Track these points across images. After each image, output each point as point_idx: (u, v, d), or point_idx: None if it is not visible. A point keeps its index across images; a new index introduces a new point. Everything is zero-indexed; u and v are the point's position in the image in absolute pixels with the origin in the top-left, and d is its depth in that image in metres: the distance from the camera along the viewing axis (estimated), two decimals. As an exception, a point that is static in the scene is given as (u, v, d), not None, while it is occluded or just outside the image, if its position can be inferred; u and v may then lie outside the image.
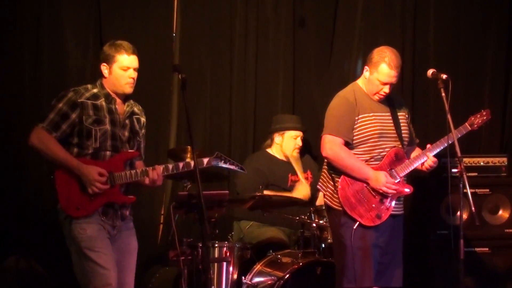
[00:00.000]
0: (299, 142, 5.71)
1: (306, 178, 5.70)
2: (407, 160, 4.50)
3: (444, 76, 4.27)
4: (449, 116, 4.19)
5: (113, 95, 4.08)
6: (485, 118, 4.58)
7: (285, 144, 5.71)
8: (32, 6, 5.75)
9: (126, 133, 4.11)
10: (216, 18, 6.12)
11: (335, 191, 4.46)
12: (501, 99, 6.35)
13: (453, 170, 4.25)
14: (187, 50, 6.04)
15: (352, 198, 4.40)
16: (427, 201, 5.65)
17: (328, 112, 4.53)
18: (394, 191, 4.39)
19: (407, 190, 4.47)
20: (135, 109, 4.23)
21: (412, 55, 6.26)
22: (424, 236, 5.65)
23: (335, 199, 4.47)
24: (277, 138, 5.74)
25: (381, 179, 4.37)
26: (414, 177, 5.14)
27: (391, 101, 4.56)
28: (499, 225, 5.60)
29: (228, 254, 5.10)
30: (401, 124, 4.54)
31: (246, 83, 6.14)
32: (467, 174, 4.05)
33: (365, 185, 4.41)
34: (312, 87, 6.28)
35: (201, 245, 3.50)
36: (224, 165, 4.14)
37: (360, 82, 4.58)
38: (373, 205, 4.40)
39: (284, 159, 5.71)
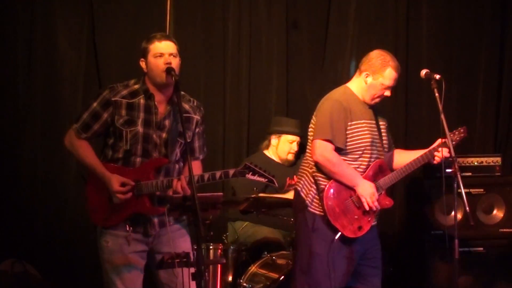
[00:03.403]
0: (294, 147, 5.67)
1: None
2: (390, 173, 4.43)
3: (437, 76, 4.25)
4: (442, 116, 4.17)
5: (152, 90, 3.83)
6: (462, 135, 4.51)
7: (280, 147, 5.68)
8: (26, 9, 5.75)
9: (164, 135, 3.84)
10: (209, 20, 6.12)
11: (316, 196, 4.38)
12: (495, 98, 6.34)
13: (447, 170, 4.24)
14: (180, 52, 6.02)
15: (336, 208, 4.31)
16: (422, 201, 5.65)
17: (320, 116, 4.40)
18: (373, 207, 4.32)
19: (387, 203, 4.44)
20: (187, 107, 3.95)
21: (405, 56, 6.23)
22: (418, 236, 5.66)
23: (314, 203, 4.38)
24: (273, 140, 5.71)
25: (369, 189, 4.31)
26: (408, 178, 5.13)
27: (374, 109, 4.49)
28: (494, 225, 5.59)
29: (223, 256, 5.11)
30: (382, 133, 4.50)
31: (240, 85, 6.13)
32: (461, 174, 4.04)
33: (350, 196, 4.34)
34: (306, 89, 6.27)
35: (195, 247, 3.48)
36: (251, 177, 3.74)
37: (352, 86, 4.47)
38: (356, 217, 4.34)
39: (280, 162, 5.70)
